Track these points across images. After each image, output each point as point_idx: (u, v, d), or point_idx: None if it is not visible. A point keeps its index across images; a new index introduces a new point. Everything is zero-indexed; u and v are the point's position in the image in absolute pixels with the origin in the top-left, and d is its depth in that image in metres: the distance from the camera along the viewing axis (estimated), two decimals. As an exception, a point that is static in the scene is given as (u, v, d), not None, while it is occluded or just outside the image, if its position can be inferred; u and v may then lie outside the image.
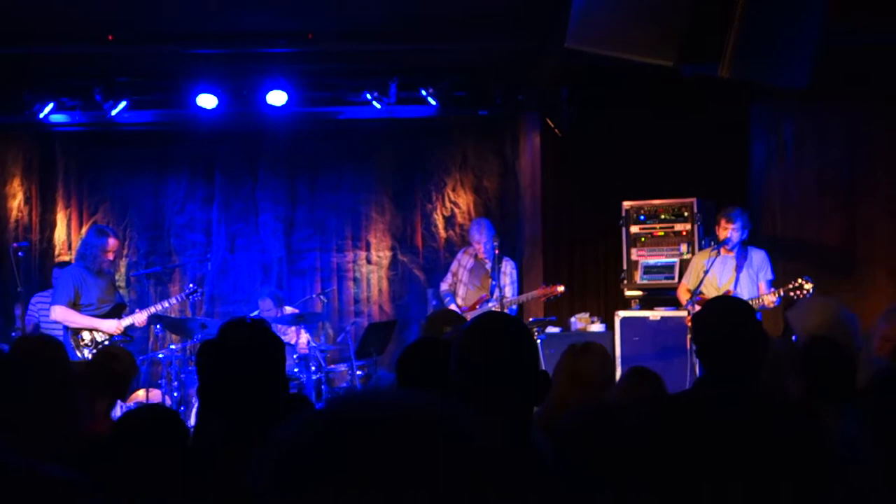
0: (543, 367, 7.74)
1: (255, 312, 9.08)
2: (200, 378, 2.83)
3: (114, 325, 7.65)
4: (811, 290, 7.19)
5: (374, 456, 0.90)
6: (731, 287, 7.54)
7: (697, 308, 7.12)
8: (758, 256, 7.67)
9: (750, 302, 6.62)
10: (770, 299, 7.33)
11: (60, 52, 8.42)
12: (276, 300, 9.09)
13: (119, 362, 4.93)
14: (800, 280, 7.24)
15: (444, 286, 8.92)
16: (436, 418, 0.93)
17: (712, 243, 7.87)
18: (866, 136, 8.79)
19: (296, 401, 2.95)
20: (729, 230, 7.55)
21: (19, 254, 8.58)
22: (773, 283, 7.57)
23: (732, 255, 7.64)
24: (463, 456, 0.91)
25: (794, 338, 5.20)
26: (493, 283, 8.37)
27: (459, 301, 8.66)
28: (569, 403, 3.72)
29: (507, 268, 8.59)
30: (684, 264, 8.37)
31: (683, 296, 7.79)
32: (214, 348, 2.82)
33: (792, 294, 7.26)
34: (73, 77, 9.14)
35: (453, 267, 8.93)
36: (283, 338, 8.97)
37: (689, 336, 7.40)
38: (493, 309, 8.20)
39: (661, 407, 2.53)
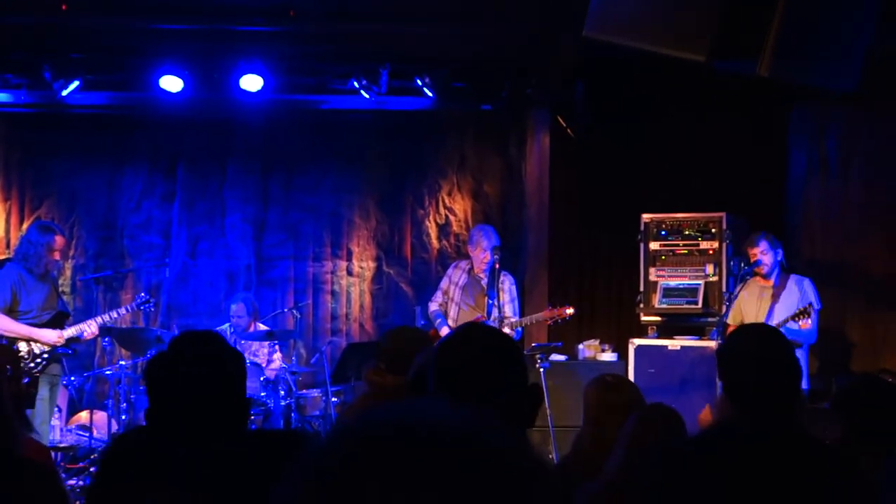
0: (546, 400, 7.55)
1: (225, 326, 9.04)
2: (149, 397, 2.86)
3: (54, 336, 7.57)
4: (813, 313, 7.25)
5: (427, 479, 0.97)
6: (763, 319, 7.54)
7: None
8: (799, 286, 7.65)
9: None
10: None
11: (5, 22, 8.39)
12: (251, 307, 9.06)
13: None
14: (808, 306, 7.29)
15: (433, 306, 8.88)
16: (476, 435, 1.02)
17: (742, 264, 7.88)
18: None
19: (293, 438, 2.96)
20: (757, 254, 7.57)
21: (-51, 251, 8.54)
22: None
23: (770, 284, 7.65)
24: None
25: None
26: (490, 301, 8.35)
27: (451, 322, 8.62)
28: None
29: (506, 284, 8.56)
30: (710, 287, 8.37)
31: None
32: (164, 363, 2.85)
33: (797, 320, 7.30)
34: (20, 51, 9.11)
35: (443, 284, 8.90)
36: (254, 358, 8.89)
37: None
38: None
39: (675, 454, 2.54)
